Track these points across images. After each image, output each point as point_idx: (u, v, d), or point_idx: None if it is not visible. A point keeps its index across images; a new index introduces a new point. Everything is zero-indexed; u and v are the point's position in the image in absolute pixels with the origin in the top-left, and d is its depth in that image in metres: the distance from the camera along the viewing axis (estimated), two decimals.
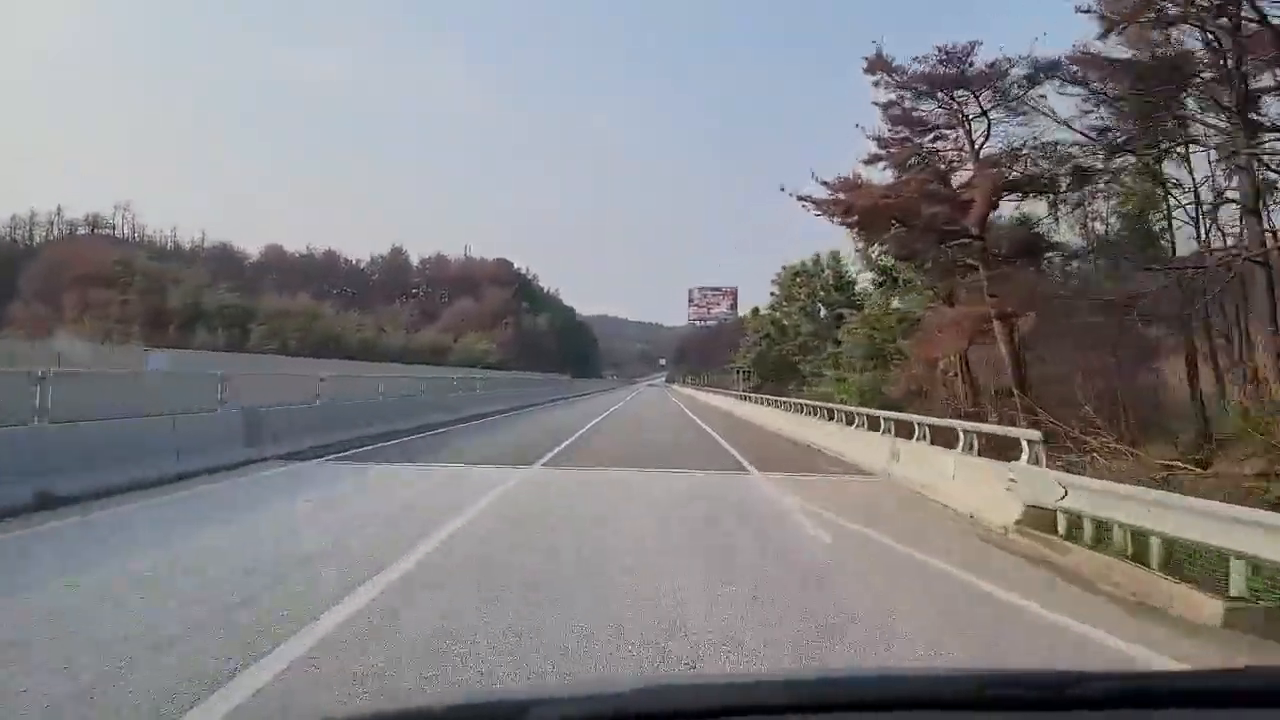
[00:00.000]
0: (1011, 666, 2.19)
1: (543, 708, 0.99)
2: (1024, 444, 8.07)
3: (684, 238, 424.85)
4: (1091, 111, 18.29)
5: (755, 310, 63.26)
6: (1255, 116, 14.63)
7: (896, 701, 1.09)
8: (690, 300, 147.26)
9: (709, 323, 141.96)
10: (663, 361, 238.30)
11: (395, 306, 79.99)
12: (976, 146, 21.46)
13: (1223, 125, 15.05)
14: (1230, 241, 17.50)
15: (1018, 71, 19.65)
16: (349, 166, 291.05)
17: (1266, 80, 14.92)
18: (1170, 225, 20.92)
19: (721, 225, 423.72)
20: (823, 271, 47.82)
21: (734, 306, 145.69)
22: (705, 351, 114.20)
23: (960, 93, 20.98)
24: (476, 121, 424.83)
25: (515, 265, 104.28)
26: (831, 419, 16.95)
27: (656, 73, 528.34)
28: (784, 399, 27.62)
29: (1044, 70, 19.10)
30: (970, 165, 21.75)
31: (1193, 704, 1.09)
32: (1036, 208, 21.97)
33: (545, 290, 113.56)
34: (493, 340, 76.65)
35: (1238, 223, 16.87)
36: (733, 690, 1.16)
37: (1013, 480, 7.63)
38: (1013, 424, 14.01)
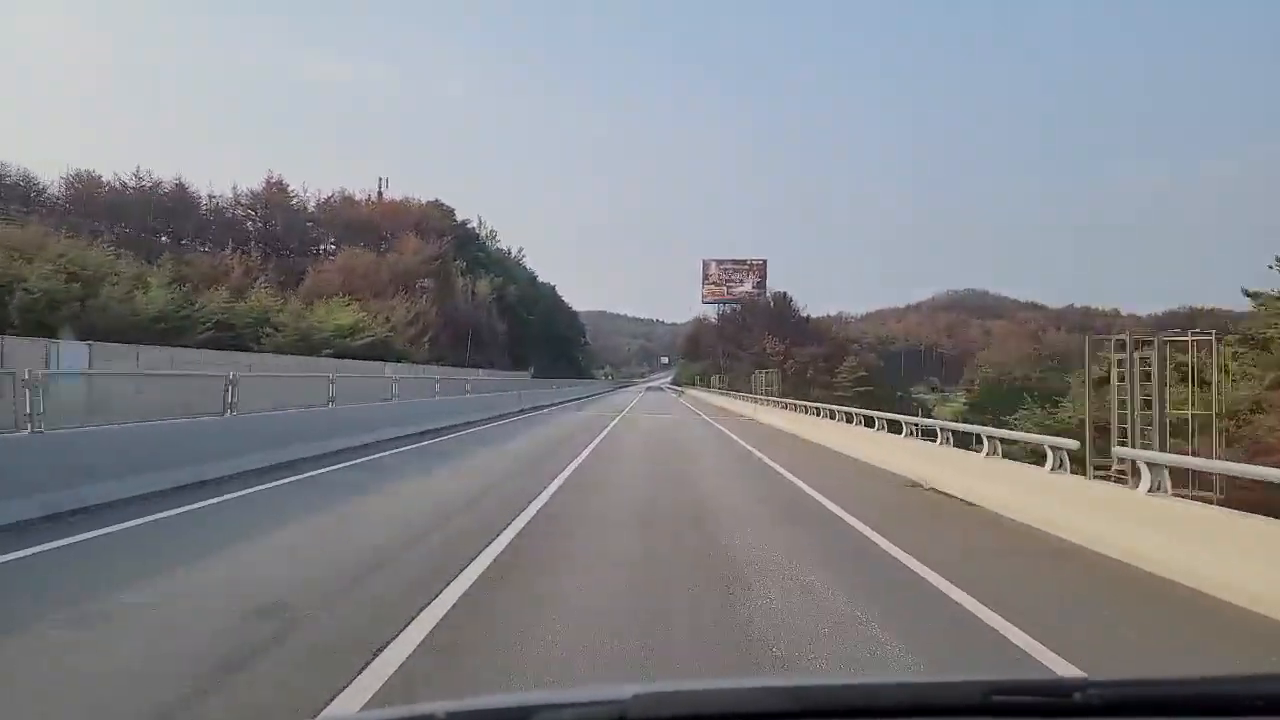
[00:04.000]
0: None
1: (545, 713, 1.00)
2: None
3: (688, 224, 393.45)
4: None
5: None
6: None
7: (902, 708, 1.10)
8: (705, 277, 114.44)
9: (729, 305, 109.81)
10: (665, 360, 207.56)
11: (224, 255, 47.68)
12: None
13: None
14: None
15: None
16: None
17: None
18: None
19: (731, 206, 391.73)
20: None
21: (762, 284, 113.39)
22: (734, 342, 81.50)
23: None
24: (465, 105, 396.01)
25: (460, 216, 71.81)
26: None
27: (660, 46, 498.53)
28: None
29: None
30: None
31: (1200, 711, 1.10)
32: None
33: (507, 253, 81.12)
34: (389, 313, 44.48)
35: None
36: (735, 696, 1.17)
37: None
38: None
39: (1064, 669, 3.91)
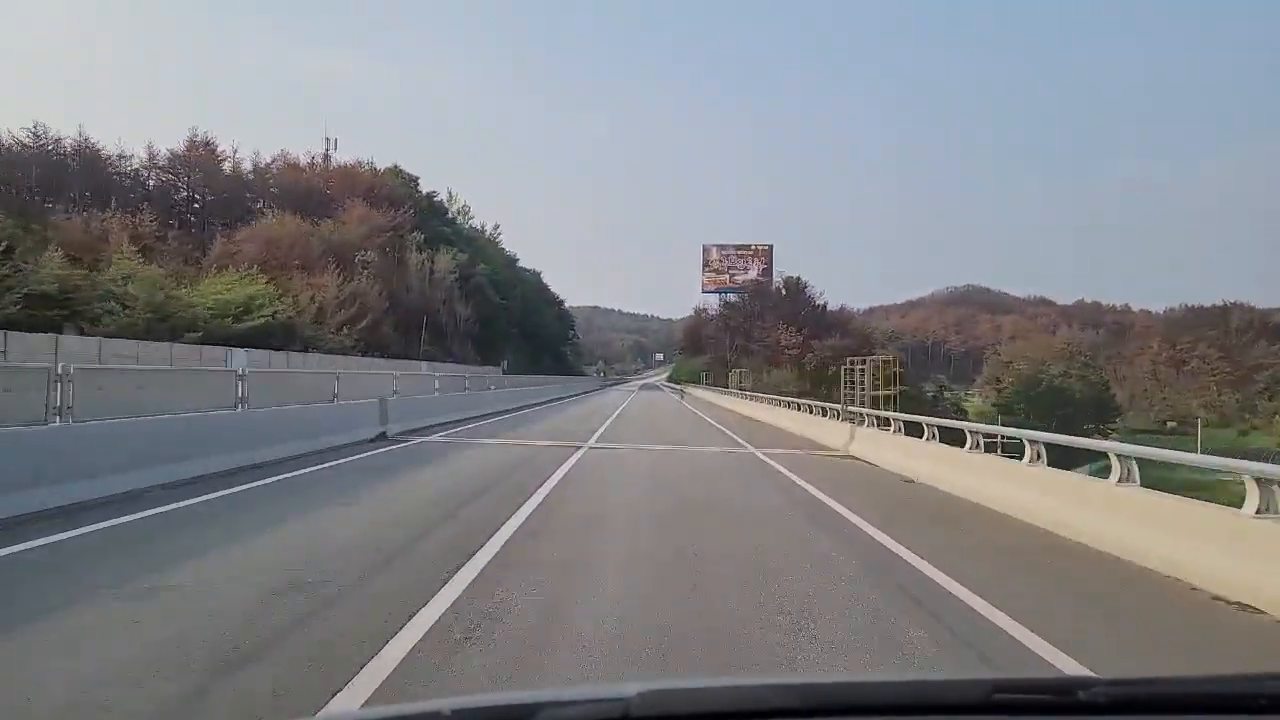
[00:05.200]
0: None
1: (550, 711, 1.00)
2: None
3: (684, 221, 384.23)
4: None
5: None
6: None
7: (907, 706, 1.09)
8: (706, 263, 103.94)
9: (732, 296, 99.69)
10: (660, 356, 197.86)
11: (102, 217, 37.54)
12: None
13: None
14: None
15: None
16: None
17: None
18: None
19: (728, 203, 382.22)
20: None
21: (768, 271, 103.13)
22: (743, 334, 71.34)
23: None
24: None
25: (423, 186, 61.47)
26: None
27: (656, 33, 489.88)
28: None
29: None
30: None
31: (1203, 709, 1.09)
32: None
33: (480, 230, 70.66)
34: (318, 292, 34.71)
35: None
36: (739, 694, 1.15)
37: None
38: None
39: None
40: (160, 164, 53.54)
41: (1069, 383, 79.64)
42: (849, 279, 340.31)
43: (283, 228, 40.65)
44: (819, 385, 56.39)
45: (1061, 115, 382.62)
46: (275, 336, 27.91)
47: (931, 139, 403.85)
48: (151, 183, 56.37)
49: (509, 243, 78.91)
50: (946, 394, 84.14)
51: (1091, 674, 1.19)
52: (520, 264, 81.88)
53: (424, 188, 61.95)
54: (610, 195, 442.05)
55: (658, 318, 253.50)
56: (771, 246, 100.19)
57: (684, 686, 1.16)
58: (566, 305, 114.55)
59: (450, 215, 65.01)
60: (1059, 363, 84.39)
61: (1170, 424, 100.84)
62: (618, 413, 28.48)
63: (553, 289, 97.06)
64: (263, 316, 27.66)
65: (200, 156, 54.99)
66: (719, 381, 59.66)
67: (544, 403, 33.94)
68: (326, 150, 57.46)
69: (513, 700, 1.09)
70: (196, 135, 55.05)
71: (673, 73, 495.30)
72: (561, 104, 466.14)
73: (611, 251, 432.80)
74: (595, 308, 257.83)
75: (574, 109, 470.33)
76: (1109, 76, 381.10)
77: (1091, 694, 1.05)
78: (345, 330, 33.73)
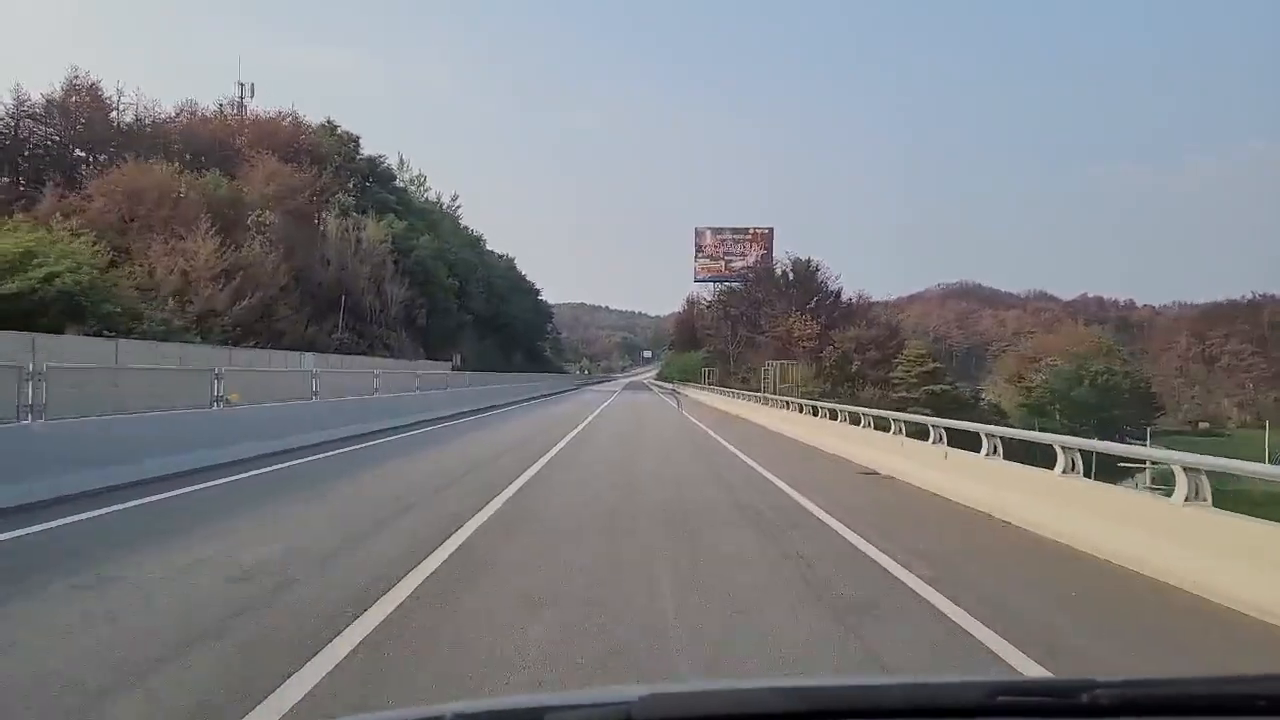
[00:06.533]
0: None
1: (553, 715, 1.00)
2: None
3: (675, 218, 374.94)
4: None
5: None
6: None
7: (908, 708, 1.09)
8: (699, 249, 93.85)
9: (731, 283, 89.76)
10: (648, 354, 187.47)
11: None
12: None
13: None
14: None
15: None
16: None
17: None
18: None
19: (720, 199, 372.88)
20: None
21: (768, 257, 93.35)
22: (748, 323, 61.29)
23: None
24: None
25: (360, 142, 50.92)
26: None
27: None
28: None
29: None
30: None
31: (1206, 711, 1.09)
32: None
33: (436, 203, 60.27)
34: (187, 259, 24.52)
35: None
36: (740, 696, 1.16)
37: None
38: None
39: None
40: (33, 112, 43.22)
41: (1115, 380, 70.79)
42: (846, 275, 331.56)
43: (148, 178, 30.43)
44: (841, 384, 46.88)
45: (1061, 113, 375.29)
46: (49, 311, 17.84)
47: (929, 136, 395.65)
48: (28, 135, 45.75)
49: (496, 240, 68.47)
50: (984, 398, 74.49)
51: (1094, 677, 0.90)
52: (490, 247, 71.72)
53: (371, 151, 51.56)
54: (598, 191, 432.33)
55: (646, 314, 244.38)
56: (772, 230, 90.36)
57: (686, 690, 1.15)
58: (551, 302, 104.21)
59: (400, 184, 54.70)
60: (1096, 359, 75.62)
61: (1203, 424, 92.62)
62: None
63: (529, 278, 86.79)
64: (29, 280, 17.55)
65: (83, 104, 44.67)
66: (724, 381, 49.77)
67: (455, 417, 23.61)
68: (240, 97, 46.95)
69: (516, 705, 1.08)
70: (78, 78, 44.76)
71: (662, 71, 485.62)
72: (550, 103, 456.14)
73: (599, 248, 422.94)
74: (582, 304, 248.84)
75: (564, 108, 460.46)
76: (1093, 76, 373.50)
77: (1094, 696, 1.03)
78: (184, 308, 23.57)
